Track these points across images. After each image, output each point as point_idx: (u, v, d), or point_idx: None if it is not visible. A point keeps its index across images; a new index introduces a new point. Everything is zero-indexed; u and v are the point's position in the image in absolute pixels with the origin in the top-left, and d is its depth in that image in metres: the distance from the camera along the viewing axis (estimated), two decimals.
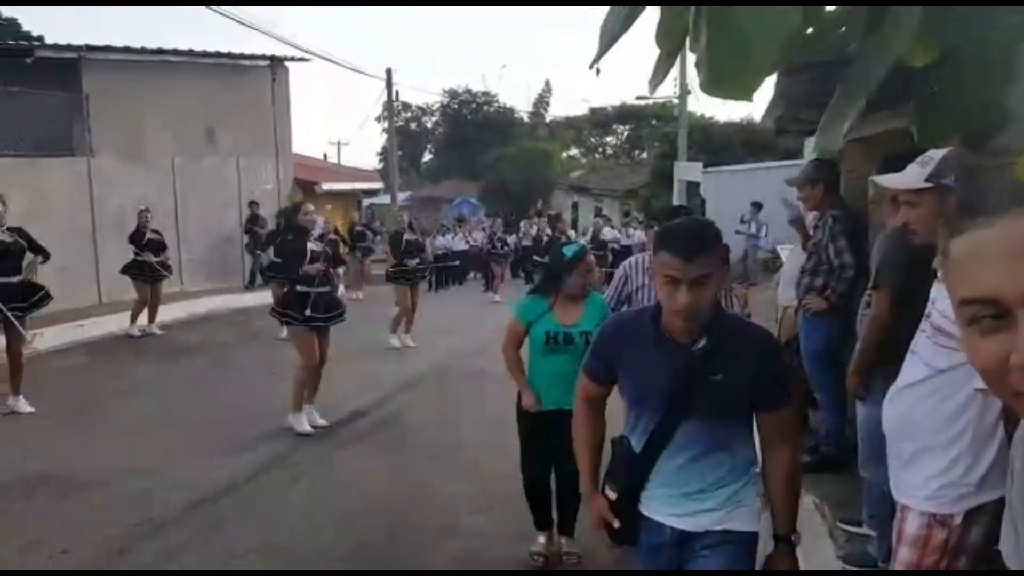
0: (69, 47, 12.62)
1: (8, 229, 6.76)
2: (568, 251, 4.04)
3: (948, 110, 0.97)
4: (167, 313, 11.63)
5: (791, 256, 5.79)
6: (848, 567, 3.50)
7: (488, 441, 5.86)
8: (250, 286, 14.72)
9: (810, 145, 7.33)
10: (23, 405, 6.88)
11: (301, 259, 6.46)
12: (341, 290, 7.40)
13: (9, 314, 6.56)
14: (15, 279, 6.66)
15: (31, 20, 51.38)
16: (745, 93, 1.14)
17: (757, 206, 15.75)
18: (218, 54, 14.81)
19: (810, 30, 1.35)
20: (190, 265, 14.20)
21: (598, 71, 1.83)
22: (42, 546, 4.28)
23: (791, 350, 5.35)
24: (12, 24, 29.66)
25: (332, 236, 9.90)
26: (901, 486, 2.27)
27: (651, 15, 1.36)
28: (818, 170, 4.67)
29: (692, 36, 1.17)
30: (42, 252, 7.03)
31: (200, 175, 14.46)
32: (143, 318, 10.92)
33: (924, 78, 1.34)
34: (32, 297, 6.79)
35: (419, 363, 9.30)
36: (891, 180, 2.39)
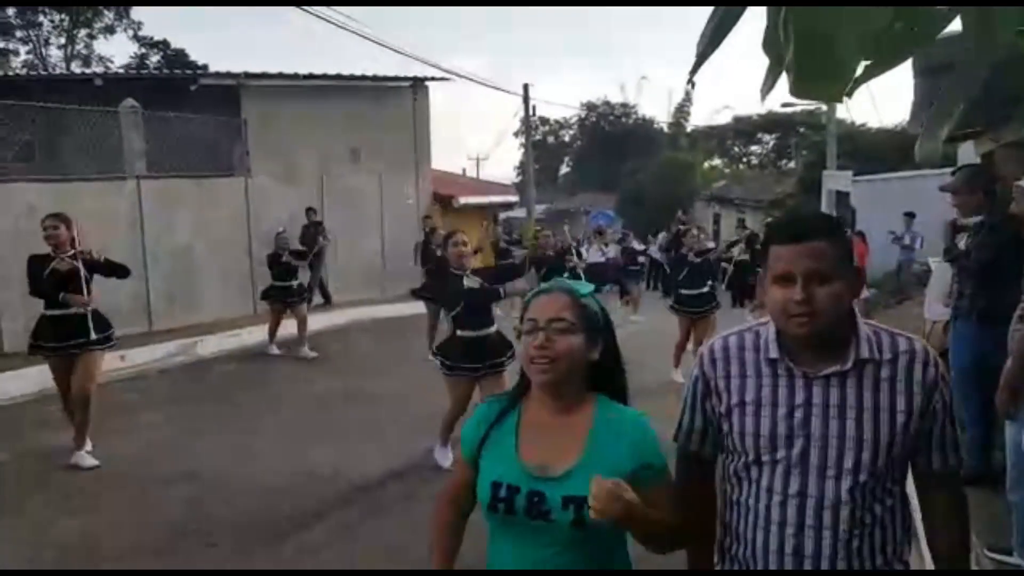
0: (229, 75, 13.56)
1: (74, 255, 6.01)
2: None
3: None
4: (313, 323, 12.17)
5: (938, 269, 5.45)
6: None
7: None
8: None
9: (964, 150, 6.86)
10: (86, 459, 5.92)
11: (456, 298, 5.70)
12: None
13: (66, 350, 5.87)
14: (73, 311, 5.86)
15: (196, 49, 55.70)
16: (832, 94, 1.09)
17: (911, 216, 14.90)
18: (363, 77, 15.51)
19: (914, 28, 1.28)
20: (334, 277, 14.88)
21: (693, 84, 1.83)
22: (188, 537, 4.61)
23: None
24: (180, 54, 32.23)
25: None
26: None
27: (758, 23, 1.32)
28: (977, 176, 4.40)
29: (783, 41, 1.14)
30: (116, 271, 6.24)
31: (345, 192, 15.15)
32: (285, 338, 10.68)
33: None
34: (99, 331, 5.95)
35: None
36: None
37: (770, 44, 1.28)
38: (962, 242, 4.35)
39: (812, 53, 1.09)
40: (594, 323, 1.88)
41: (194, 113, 12.23)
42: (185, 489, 5.47)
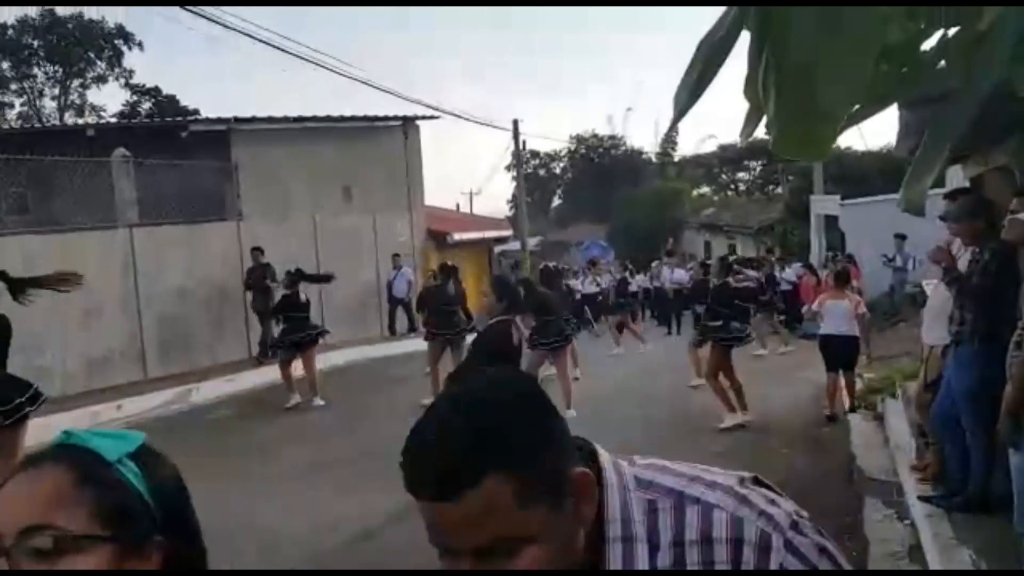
0: (219, 120, 13.69)
1: None
2: None
3: None
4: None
5: (935, 292, 5.48)
6: None
7: None
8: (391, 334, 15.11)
9: (952, 174, 6.94)
10: None
11: None
12: None
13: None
14: None
15: (187, 95, 56.17)
16: (816, 154, 1.10)
17: (902, 238, 14.99)
18: (353, 117, 15.67)
19: (904, 69, 1.30)
20: (330, 317, 14.86)
21: (677, 132, 1.82)
22: None
23: (934, 391, 5.06)
24: (172, 100, 32.52)
25: None
26: None
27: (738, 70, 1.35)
28: (979, 205, 4.45)
29: (762, 98, 1.15)
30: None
31: (339, 232, 15.20)
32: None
33: None
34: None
35: None
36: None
37: (751, 89, 1.29)
38: (961, 261, 4.38)
39: (795, 113, 1.09)
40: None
41: (186, 159, 12.34)
42: None
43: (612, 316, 17.53)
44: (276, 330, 10.72)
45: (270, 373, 10.94)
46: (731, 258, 10.42)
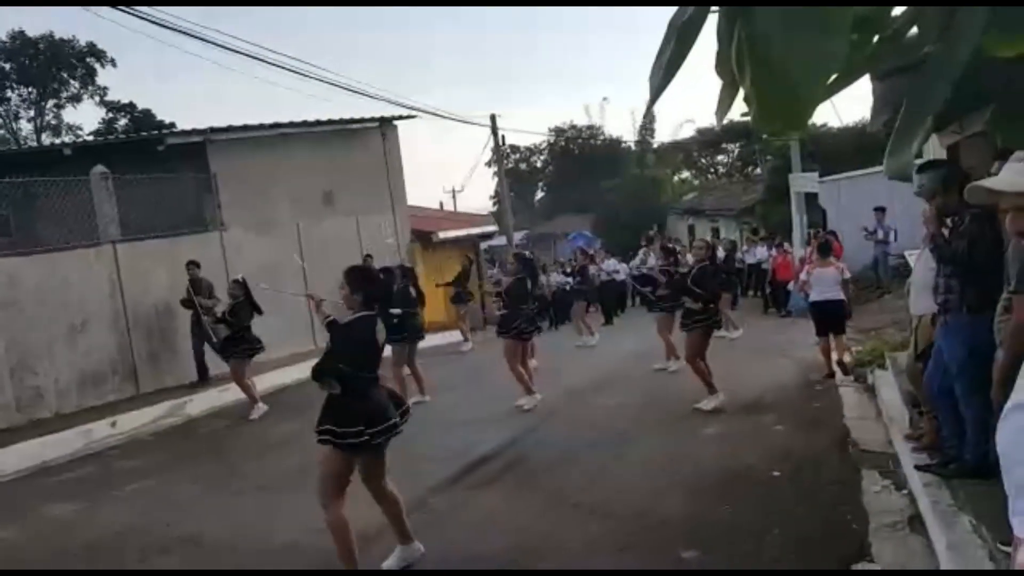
0: (195, 131, 13.58)
1: None
2: None
3: None
4: (289, 375, 12.14)
5: (919, 262, 5.53)
6: None
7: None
8: None
9: (928, 145, 7.00)
10: None
11: None
12: None
13: None
14: None
15: (162, 109, 55.78)
16: (796, 126, 1.11)
17: (881, 211, 15.11)
18: (330, 121, 15.62)
19: (877, 37, 1.31)
20: (316, 323, 14.83)
21: (653, 117, 1.82)
22: None
23: (925, 360, 5.10)
24: (148, 115, 32.36)
25: None
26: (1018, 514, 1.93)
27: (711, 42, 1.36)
28: (950, 174, 4.48)
29: (737, 73, 1.16)
30: None
31: (322, 236, 15.13)
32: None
33: (1004, 79, 1.30)
34: None
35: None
36: (997, 183, 2.23)
37: (722, 66, 1.29)
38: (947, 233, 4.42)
39: (770, 86, 1.09)
40: None
41: (164, 172, 12.26)
42: (186, 555, 5.37)
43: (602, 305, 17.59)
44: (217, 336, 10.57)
45: (263, 382, 10.89)
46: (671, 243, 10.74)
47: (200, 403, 10.74)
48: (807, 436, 6.85)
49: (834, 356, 9.30)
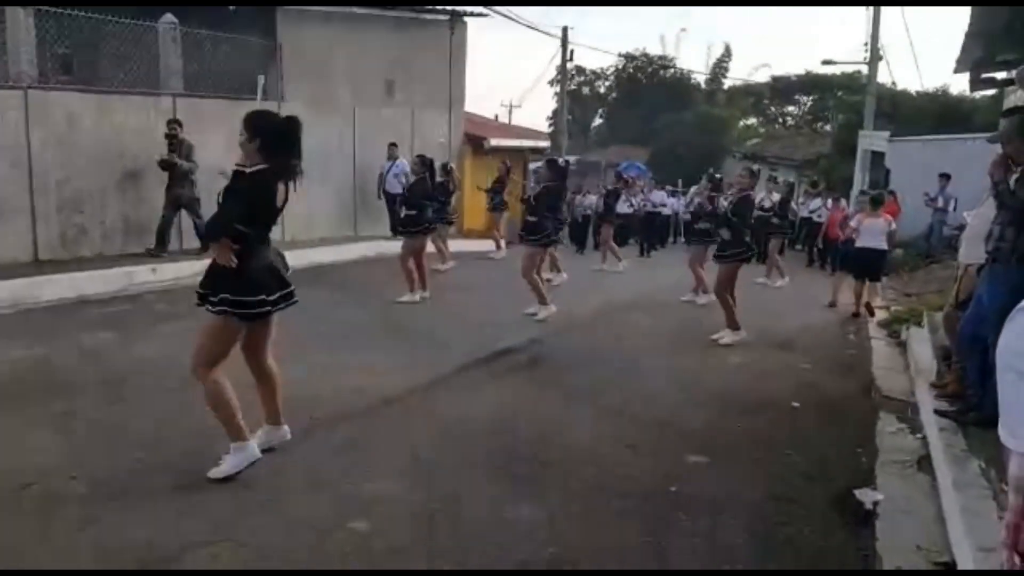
0: None
1: None
2: None
3: None
4: (328, 255, 12.42)
5: (976, 215, 5.40)
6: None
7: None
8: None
9: (1010, 101, 6.72)
10: None
11: None
12: None
13: None
14: None
15: None
16: None
17: (946, 178, 14.66)
18: (401, 6, 15.34)
19: None
20: (363, 212, 14.95)
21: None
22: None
23: (963, 310, 5.03)
24: None
25: None
26: (1008, 424, 1.82)
27: None
28: None
29: None
30: None
31: (378, 125, 15.08)
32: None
33: None
34: None
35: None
36: None
37: None
38: (1012, 181, 4.29)
39: None
40: None
41: (230, 33, 12.18)
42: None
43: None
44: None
45: (301, 258, 11.04)
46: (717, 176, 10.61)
47: None
48: (832, 378, 6.83)
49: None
